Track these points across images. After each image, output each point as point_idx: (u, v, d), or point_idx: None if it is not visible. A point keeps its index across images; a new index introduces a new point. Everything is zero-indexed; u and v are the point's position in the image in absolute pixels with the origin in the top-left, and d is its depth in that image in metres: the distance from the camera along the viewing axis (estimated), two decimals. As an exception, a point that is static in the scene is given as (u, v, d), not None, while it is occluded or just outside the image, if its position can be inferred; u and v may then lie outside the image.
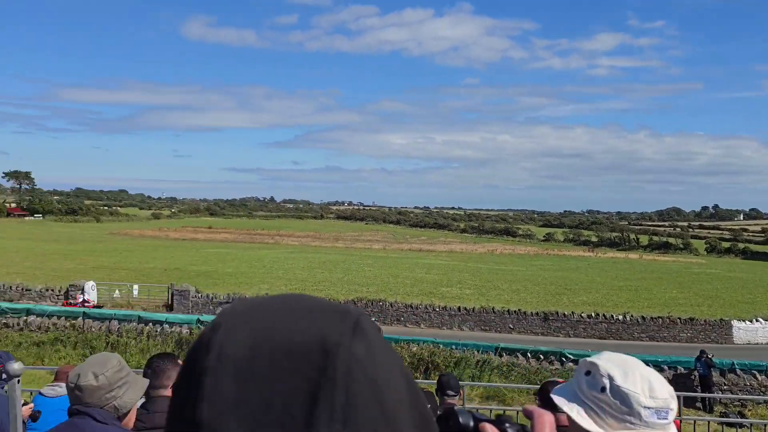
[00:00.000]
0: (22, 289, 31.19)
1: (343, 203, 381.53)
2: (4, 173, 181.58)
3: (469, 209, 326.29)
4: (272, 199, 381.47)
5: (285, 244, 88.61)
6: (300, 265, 54.51)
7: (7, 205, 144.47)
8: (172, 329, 21.04)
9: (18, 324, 21.14)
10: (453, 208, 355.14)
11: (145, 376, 3.28)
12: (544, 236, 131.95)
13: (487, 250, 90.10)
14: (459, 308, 31.23)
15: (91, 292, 30.13)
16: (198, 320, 21.97)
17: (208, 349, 0.55)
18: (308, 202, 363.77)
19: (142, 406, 3.20)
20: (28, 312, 22.48)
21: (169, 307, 29.83)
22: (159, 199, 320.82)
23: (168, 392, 3.43)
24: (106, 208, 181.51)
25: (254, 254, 65.43)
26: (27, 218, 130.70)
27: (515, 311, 31.18)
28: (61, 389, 5.25)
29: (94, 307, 27.02)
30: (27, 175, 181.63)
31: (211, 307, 29.96)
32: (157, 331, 20.77)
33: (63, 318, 21.77)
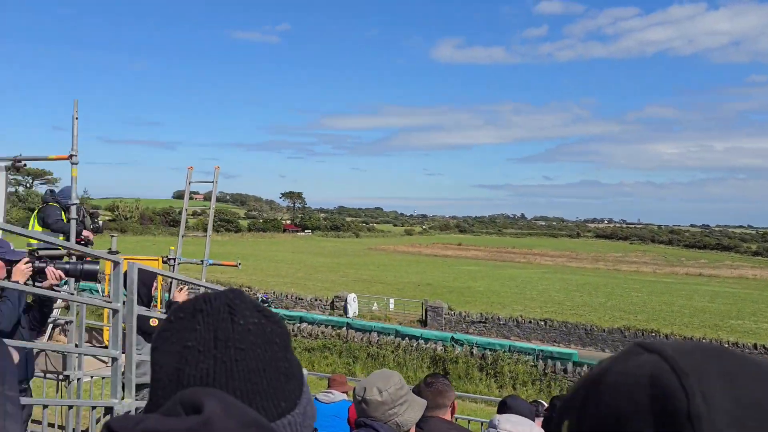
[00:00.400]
0: (296, 298, 35.67)
1: (602, 221, 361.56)
2: (281, 194, 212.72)
3: (763, 227, 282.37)
4: (522, 216, 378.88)
5: (537, 263, 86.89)
6: (555, 287, 52.80)
7: (284, 222, 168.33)
8: (427, 345, 21.82)
9: (292, 330, 24.07)
10: (740, 226, 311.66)
11: (419, 395, 3.28)
12: None
13: (790, 277, 76.72)
14: (755, 345, 26.87)
15: (352, 304, 33.08)
16: (452, 338, 22.44)
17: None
18: (562, 220, 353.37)
19: (417, 425, 3.20)
20: (301, 320, 25.53)
21: (423, 323, 31.16)
22: (411, 216, 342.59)
23: (443, 413, 3.38)
24: (364, 224, 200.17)
25: (505, 273, 65.33)
26: (299, 234, 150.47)
27: (838, 356, 25.75)
28: (334, 396, 5.63)
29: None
30: (299, 195, 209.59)
31: (463, 325, 30.51)
32: (412, 346, 21.74)
33: (330, 327, 24.19)
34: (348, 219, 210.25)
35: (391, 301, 35.69)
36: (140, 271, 4.23)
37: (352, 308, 32.91)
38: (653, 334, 28.09)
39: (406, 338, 22.56)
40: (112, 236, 8.05)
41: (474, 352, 21.02)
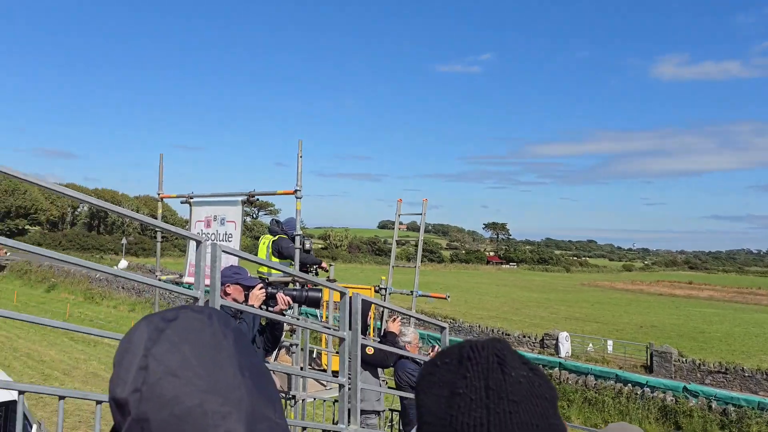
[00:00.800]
0: (502, 333, 35.18)
1: None
2: (484, 224, 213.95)
3: None
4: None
5: (792, 306, 75.81)
6: (817, 336, 45.54)
7: (487, 253, 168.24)
8: (654, 394, 20.13)
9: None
10: None
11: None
12: None
13: None
14: None
15: (565, 343, 31.76)
16: (685, 388, 20.42)
17: None
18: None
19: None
20: (509, 357, 25.12)
21: (648, 369, 28.82)
22: (629, 250, 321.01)
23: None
24: (575, 258, 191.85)
25: (749, 317, 58.10)
26: (503, 266, 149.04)
27: None
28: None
29: None
30: (503, 226, 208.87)
31: (698, 374, 27.58)
32: (636, 394, 20.23)
33: (540, 366, 23.44)
34: (557, 252, 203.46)
35: (610, 342, 33.66)
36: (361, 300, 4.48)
37: (565, 348, 31.61)
38: None
39: (629, 384, 21.11)
40: (330, 265, 8.69)
41: (713, 406, 18.91)
